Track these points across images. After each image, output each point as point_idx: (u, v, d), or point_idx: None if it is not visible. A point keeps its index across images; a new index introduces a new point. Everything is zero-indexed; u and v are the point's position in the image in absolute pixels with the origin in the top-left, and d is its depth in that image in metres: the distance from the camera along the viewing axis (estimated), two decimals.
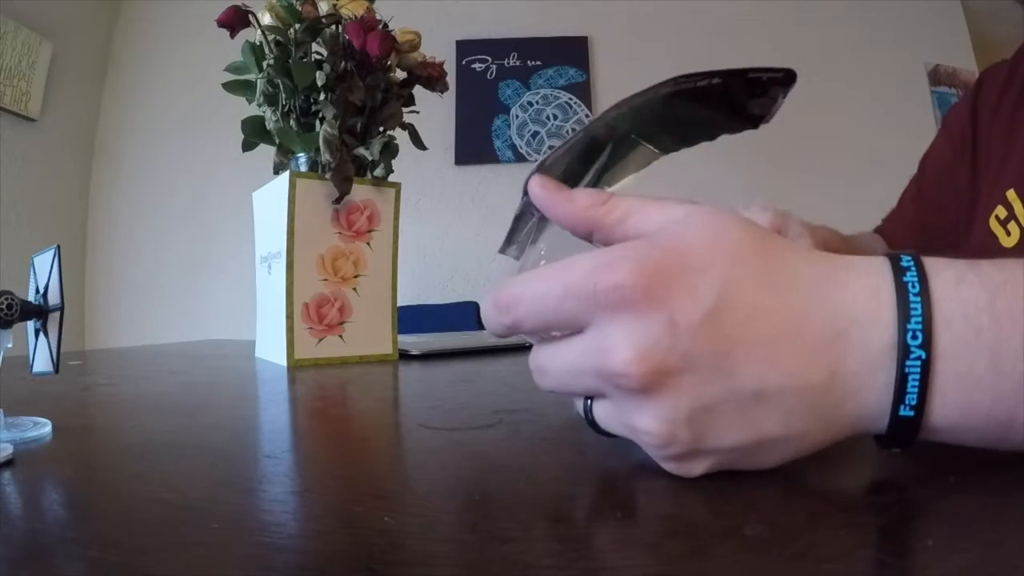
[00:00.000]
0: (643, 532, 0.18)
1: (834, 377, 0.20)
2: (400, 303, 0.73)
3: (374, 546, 0.17)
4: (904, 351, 0.20)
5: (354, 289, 0.69)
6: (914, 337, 0.20)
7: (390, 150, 0.69)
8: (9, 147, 1.88)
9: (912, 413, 0.20)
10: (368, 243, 0.70)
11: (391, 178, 0.71)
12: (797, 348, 0.20)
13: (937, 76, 2.16)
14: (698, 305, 0.20)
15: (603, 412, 0.23)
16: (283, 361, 0.65)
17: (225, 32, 0.67)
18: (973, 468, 0.22)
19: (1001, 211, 0.56)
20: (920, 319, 0.20)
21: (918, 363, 0.20)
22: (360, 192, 0.69)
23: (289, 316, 0.64)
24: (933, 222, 0.67)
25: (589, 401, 0.24)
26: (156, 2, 2.34)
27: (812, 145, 2.11)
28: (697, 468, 0.22)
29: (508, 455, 0.28)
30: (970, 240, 0.59)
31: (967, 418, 0.20)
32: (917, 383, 0.20)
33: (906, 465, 0.23)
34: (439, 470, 0.26)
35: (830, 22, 2.16)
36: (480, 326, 1.04)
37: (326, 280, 0.67)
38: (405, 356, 0.72)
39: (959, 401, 0.20)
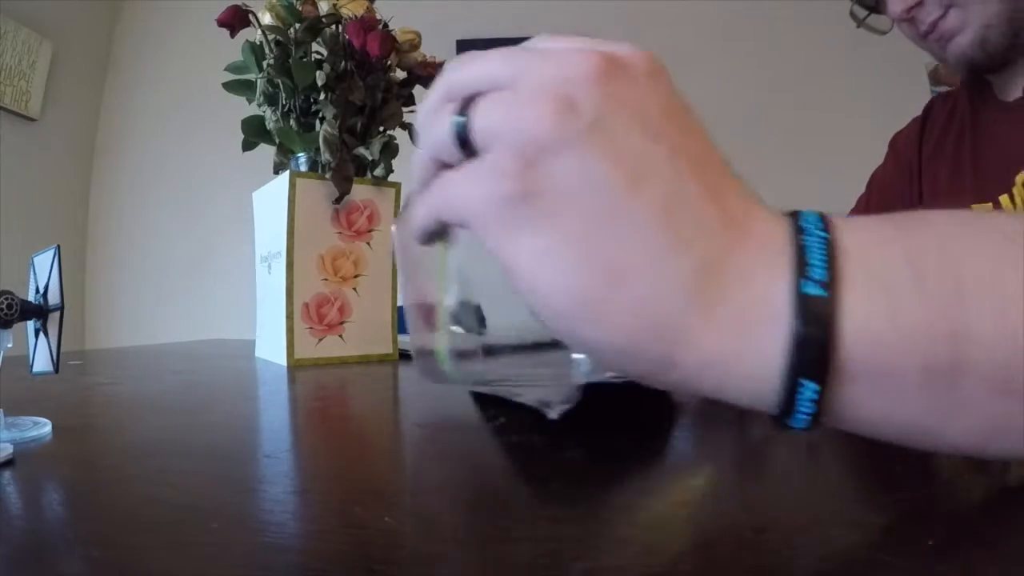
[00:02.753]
0: (643, 532, 0.18)
1: (728, 228, 0.17)
2: (400, 303, 0.73)
3: (374, 546, 0.17)
4: (798, 231, 0.16)
5: (354, 289, 0.69)
6: (811, 222, 0.17)
7: (390, 150, 0.69)
8: (9, 147, 1.88)
9: (823, 291, 0.15)
10: (368, 243, 0.70)
11: (391, 178, 0.71)
12: (718, 179, 0.18)
13: (937, 76, 2.16)
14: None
15: (488, 106, 0.18)
16: (283, 361, 0.65)
17: (225, 32, 0.67)
18: (973, 468, 0.22)
19: None
20: (819, 218, 0.17)
21: (820, 240, 0.16)
22: (360, 192, 0.69)
23: (289, 316, 0.64)
24: None
25: (463, 116, 0.18)
26: (156, 2, 2.34)
27: (812, 145, 2.11)
28: (524, 183, 0.16)
29: (507, 455, 0.28)
30: None
31: (899, 331, 0.15)
32: (823, 254, 0.16)
33: (906, 466, 0.23)
34: (439, 470, 0.26)
35: (830, 22, 2.15)
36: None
37: (326, 280, 0.67)
38: (405, 356, 0.72)
39: (879, 301, 0.16)
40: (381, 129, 0.71)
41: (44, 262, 0.34)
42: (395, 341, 0.71)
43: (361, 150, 0.68)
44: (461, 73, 0.20)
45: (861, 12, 0.69)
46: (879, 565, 0.15)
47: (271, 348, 0.70)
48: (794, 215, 0.17)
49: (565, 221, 0.16)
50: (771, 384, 0.16)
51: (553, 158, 0.16)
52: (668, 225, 0.16)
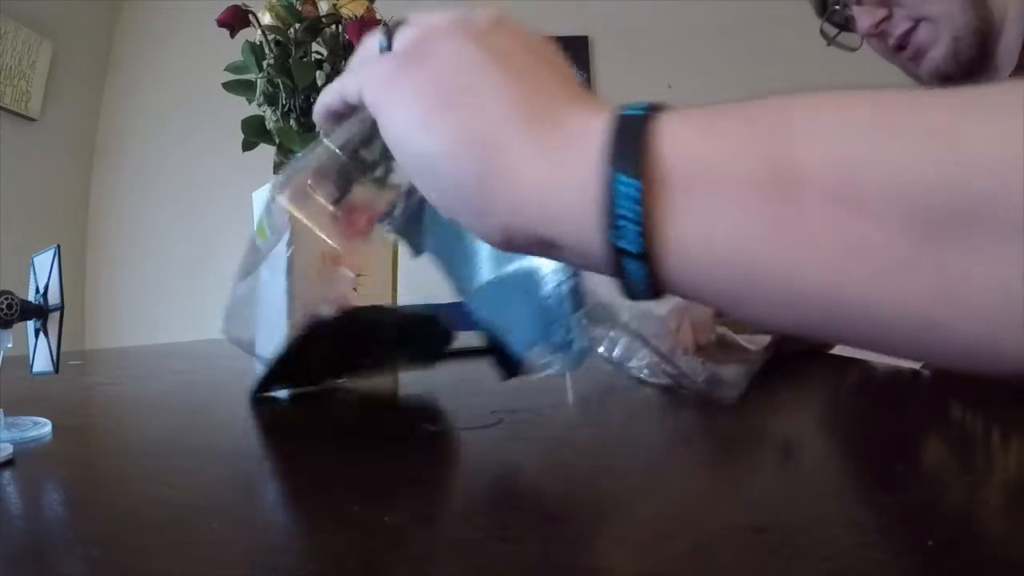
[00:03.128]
0: (643, 532, 0.18)
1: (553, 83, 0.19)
2: (400, 303, 0.73)
3: (374, 546, 0.17)
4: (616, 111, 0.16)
5: (354, 289, 0.69)
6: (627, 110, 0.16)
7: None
8: (9, 147, 1.88)
9: (641, 111, 0.16)
10: (368, 243, 0.70)
11: (391, 178, 0.71)
12: (563, 69, 0.21)
13: None
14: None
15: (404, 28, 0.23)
16: None
17: (225, 32, 0.67)
18: (973, 468, 0.22)
19: None
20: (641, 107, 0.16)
21: (638, 113, 0.16)
22: (360, 192, 0.69)
23: (289, 316, 0.64)
24: None
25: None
26: (156, 2, 2.34)
27: None
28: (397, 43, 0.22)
29: (508, 455, 0.28)
30: None
31: (717, 138, 0.15)
32: (641, 112, 0.16)
33: (906, 466, 0.23)
34: (439, 470, 0.26)
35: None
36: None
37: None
38: None
39: (696, 118, 0.16)
40: None
41: (44, 262, 0.34)
42: None
43: (361, 150, 0.68)
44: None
45: (832, 30, 0.70)
46: (879, 565, 0.15)
47: (271, 348, 0.70)
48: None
49: (430, 73, 0.20)
50: (590, 193, 0.15)
51: (433, 39, 0.21)
52: (508, 68, 0.19)
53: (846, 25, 0.66)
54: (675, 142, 0.15)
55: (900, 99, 0.15)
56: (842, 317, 0.14)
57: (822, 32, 0.70)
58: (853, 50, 0.70)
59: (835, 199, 0.13)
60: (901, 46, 0.60)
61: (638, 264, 0.15)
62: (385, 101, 0.20)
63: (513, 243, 0.18)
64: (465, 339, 0.44)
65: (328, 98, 0.25)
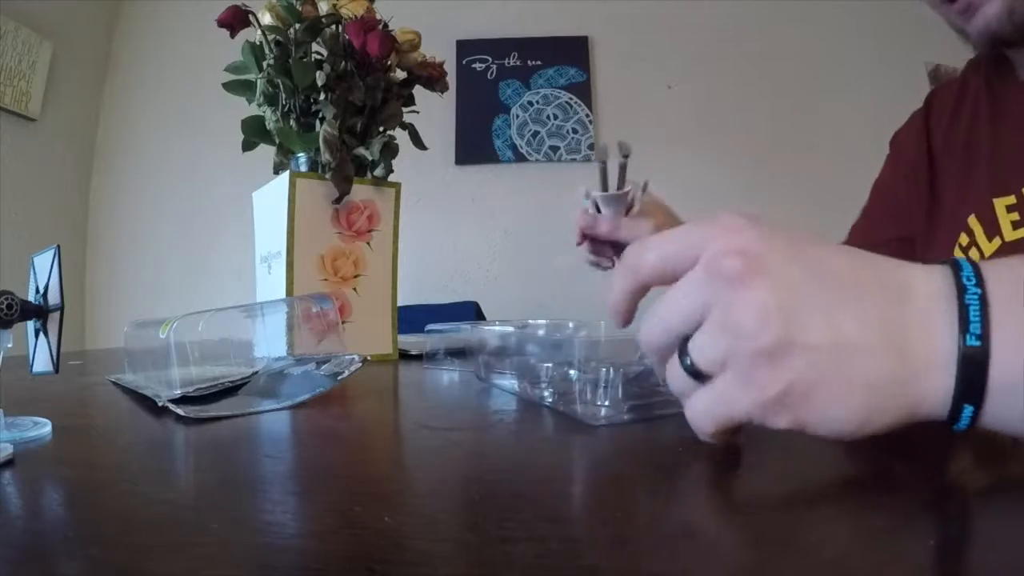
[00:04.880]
0: (643, 532, 0.18)
1: (903, 302, 0.23)
2: (400, 303, 0.73)
3: (374, 546, 0.17)
4: (961, 290, 0.22)
5: (354, 289, 0.69)
6: (968, 279, 0.22)
7: (390, 150, 0.69)
8: (9, 147, 1.88)
9: (978, 342, 0.21)
10: (368, 243, 0.70)
11: (391, 178, 0.71)
12: (870, 287, 0.23)
13: (937, 76, 2.16)
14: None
15: (702, 336, 0.24)
16: None
17: (225, 32, 0.67)
18: (972, 468, 0.22)
19: (964, 238, 0.54)
20: (972, 268, 0.22)
21: (976, 297, 0.21)
22: (360, 192, 0.69)
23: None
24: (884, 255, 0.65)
25: (686, 357, 0.25)
26: (156, 2, 2.34)
27: (811, 146, 2.11)
28: (777, 386, 0.22)
29: (508, 455, 0.28)
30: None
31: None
32: (978, 312, 0.21)
33: (906, 466, 0.23)
34: (439, 470, 0.26)
35: (830, 22, 2.16)
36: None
37: (326, 280, 0.67)
38: (405, 356, 0.72)
39: (1015, 341, 0.21)
40: (381, 129, 0.71)
41: (44, 262, 0.34)
42: (395, 341, 0.71)
43: (361, 150, 0.68)
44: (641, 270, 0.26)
45: None
46: (879, 565, 0.15)
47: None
48: (952, 265, 0.23)
49: (814, 391, 0.22)
50: (944, 409, 0.22)
51: (780, 358, 0.22)
52: (865, 353, 0.22)
53: None
54: (1000, 371, 0.21)
55: None
56: None
57: None
58: None
59: None
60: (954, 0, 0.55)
61: (966, 426, 0.22)
62: (798, 424, 0.23)
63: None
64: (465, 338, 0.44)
65: (707, 429, 0.25)
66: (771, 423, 0.23)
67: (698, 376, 0.24)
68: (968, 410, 0.21)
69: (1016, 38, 0.54)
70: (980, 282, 0.22)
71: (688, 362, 0.24)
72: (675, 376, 0.25)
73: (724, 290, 0.23)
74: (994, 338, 0.21)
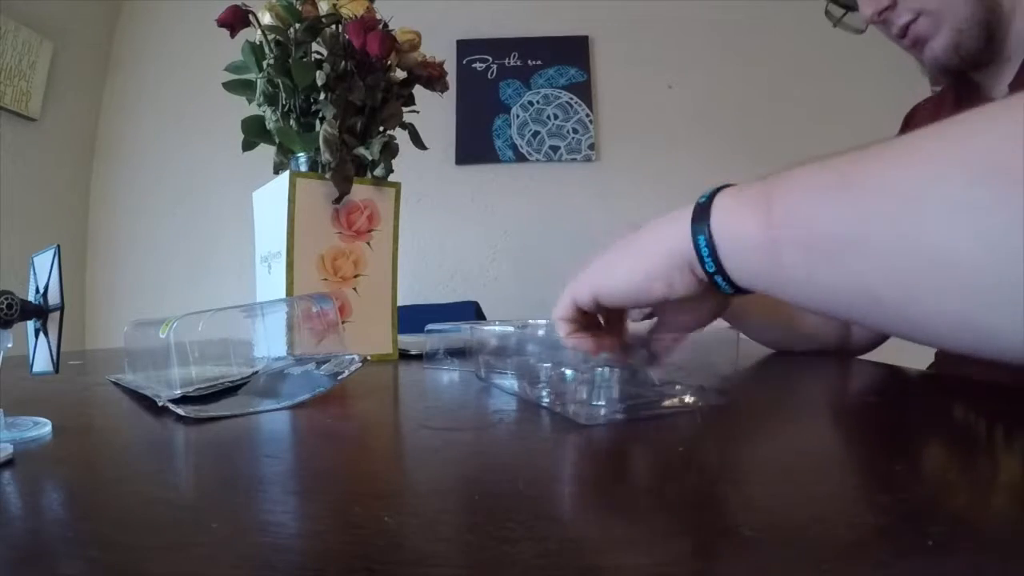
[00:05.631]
0: (643, 532, 0.18)
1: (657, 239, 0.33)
2: (400, 303, 0.73)
3: (374, 546, 0.17)
4: (698, 203, 0.31)
5: (354, 289, 0.69)
6: (703, 197, 0.31)
7: (390, 150, 0.69)
8: (9, 147, 1.88)
9: (704, 199, 0.30)
10: (368, 243, 0.70)
11: (391, 178, 0.71)
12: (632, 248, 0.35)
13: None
14: None
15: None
16: None
17: (225, 32, 0.67)
18: (972, 468, 0.22)
19: None
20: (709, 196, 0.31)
21: (706, 197, 0.30)
22: (360, 192, 0.69)
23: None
24: None
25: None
26: (156, 2, 2.33)
27: (811, 146, 2.10)
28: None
29: (508, 455, 0.28)
30: None
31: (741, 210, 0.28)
32: (707, 196, 0.30)
33: (906, 465, 0.23)
34: (439, 470, 0.26)
35: (830, 24, 2.15)
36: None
37: (326, 280, 0.67)
38: (405, 356, 0.72)
39: (731, 194, 0.30)
40: (381, 129, 0.70)
41: (44, 262, 0.34)
42: (395, 341, 0.71)
43: (361, 150, 0.68)
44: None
45: (837, 11, 0.69)
46: (879, 565, 0.15)
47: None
48: None
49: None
50: (691, 243, 0.30)
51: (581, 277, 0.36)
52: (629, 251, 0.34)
53: (851, 6, 0.66)
54: (720, 206, 0.30)
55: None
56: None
57: (827, 13, 0.70)
58: (859, 31, 0.70)
59: (801, 247, 0.26)
60: (902, 35, 0.61)
61: (713, 266, 0.30)
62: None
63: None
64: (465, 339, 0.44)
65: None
66: (579, 297, 0.35)
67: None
68: (702, 239, 0.29)
69: (965, 67, 0.60)
70: (712, 196, 0.30)
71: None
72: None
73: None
74: (715, 203, 0.30)
